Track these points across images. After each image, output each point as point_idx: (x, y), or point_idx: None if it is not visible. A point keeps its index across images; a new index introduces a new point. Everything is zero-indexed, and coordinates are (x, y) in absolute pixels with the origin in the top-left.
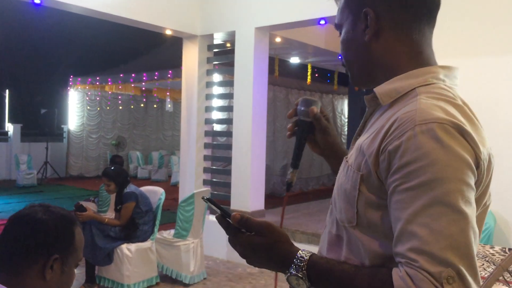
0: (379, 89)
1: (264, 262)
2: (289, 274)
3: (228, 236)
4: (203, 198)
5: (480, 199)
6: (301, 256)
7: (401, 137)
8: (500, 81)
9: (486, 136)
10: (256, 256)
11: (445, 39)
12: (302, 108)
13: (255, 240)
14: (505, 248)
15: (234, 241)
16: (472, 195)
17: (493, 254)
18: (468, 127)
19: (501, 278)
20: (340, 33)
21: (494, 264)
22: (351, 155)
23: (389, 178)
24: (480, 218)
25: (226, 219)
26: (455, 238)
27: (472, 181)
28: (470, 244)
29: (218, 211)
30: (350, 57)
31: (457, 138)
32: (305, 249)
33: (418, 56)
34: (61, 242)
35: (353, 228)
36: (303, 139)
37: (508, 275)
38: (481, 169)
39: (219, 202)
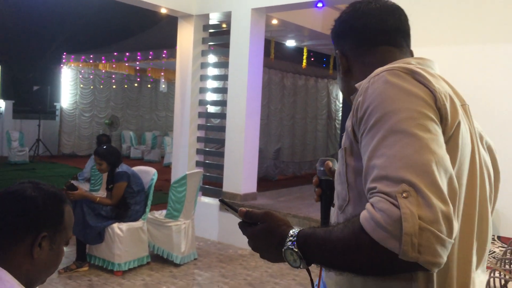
0: (358, 85)
1: (268, 249)
2: (284, 251)
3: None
4: (220, 200)
5: (456, 139)
6: (292, 231)
7: (360, 94)
8: (477, 69)
9: (445, 85)
10: (261, 243)
11: (421, 28)
12: (321, 169)
13: (257, 228)
14: (494, 235)
15: (245, 235)
16: (429, 124)
17: None
18: (424, 72)
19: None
20: None
21: None
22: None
23: (358, 133)
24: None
25: (243, 221)
26: (409, 158)
27: (429, 112)
28: (428, 161)
29: (235, 212)
30: (340, 88)
31: (406, 79)
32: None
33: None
34: (50, 220)
35: (348, 207)
36: (328, 197)
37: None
38: (440, 101)
39: (212, 185)
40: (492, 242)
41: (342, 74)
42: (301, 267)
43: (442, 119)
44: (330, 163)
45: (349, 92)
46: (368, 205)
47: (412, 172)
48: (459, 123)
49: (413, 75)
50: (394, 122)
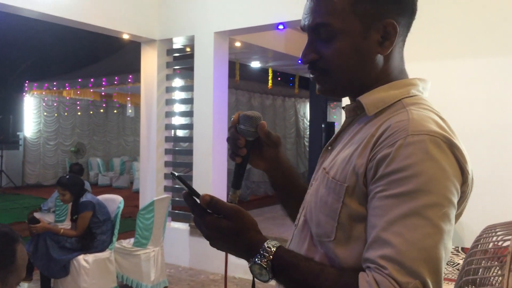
0: (364, 99)
1: (229, 247)
2: (253, 262)
3: (193, 217)
4: (171, 173)
5: (461, 213)
6: (268, 247)
7: (391, 146)
8: (461, 83)
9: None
10: (221, 239)
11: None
12: (244, 127)
13: (222, 224)
14: (458, 247)
15: (200, 222)
16: (452, 212)
17: None
18: (457, 141)
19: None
20: (318, 33)
21: (447, 264)
22: (332, 167)
23: (372, 184)
24: None
25: (193, 198)
26: (428, 252)
27: (455, 198)
28: (441, 260)
29: (186, 189)
30: (350, 68)
31: (446, 153)
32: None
33: (402, 69)
34: (0, 261)
35: (330, 243)
36: (247, 158)
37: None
38: (468, 184)
39: (182, 210)
40: (456, 254)
41: (385, 52)
42: (266, 282)
43: (461, 199)
44: (265, 125)
45: (367, 76)
46: (371, 280)
47: (427, 269)
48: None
49: (452, 149)
50: (422, 204)
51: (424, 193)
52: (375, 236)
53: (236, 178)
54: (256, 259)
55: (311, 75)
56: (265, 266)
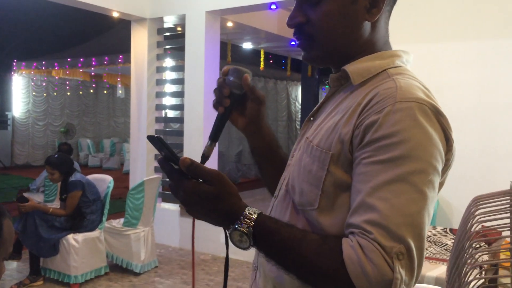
0: (350, 68)
1: (208, 214)
2: (233, 228)
3: (170, 183)
4: (148, 137)
5: (444, 179)
6: (249, 213)
7: (379, 112)
8: (452, 66)
9: None
10: (200, 205)
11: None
12: (233, 79)
13: (202, 188)
14: (446, 228)
15: (178, 187)
16: (436, 179)
17: (434, 235)
18: (443, 111)
19: (443, 257)
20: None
21: (435, 244)
22: (316, 135)
23: (358, 151)
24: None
25: (169, 163)
26: (412, 218)
27: (439, 166)
28: (424, 225)
29: (163, 153)
30: (336, 33)
31: (433, 120)
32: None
33: (387, 41)
34: None
35: (313, 211)
36: (229, 112)
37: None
38: (452, 152)
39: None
40: (444, 235)
41: (372, 19)
42: (246, 249)
43: (444, 167)
44: (249, 78)
45: (353, 44)
46: (355, 244)
47: (411, 234)
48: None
49: (438, 116)
50: (408, 170)
51: (410, 159)
52: (360, 201)
53: (215, 130)
54: (236, 225)
55: (297, 41)
56: (246, 232)
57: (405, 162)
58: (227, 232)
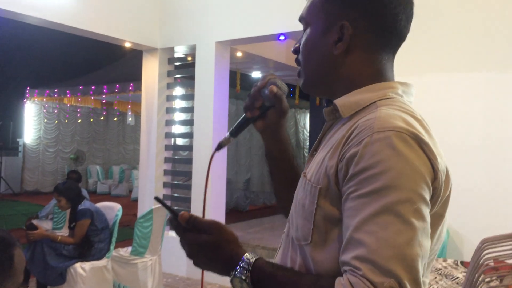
0: (339, 102)
1: (209, 263)
2: (233, 275)
3: (179, 239)
4: (155, 198)
5: (442, 211)
6: (247, 259)
7: (358, 144)
8: (460, 97)
9: (441, 151)
10: (202, 254)
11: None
12: (267, 92)
13: (201, 238)
14: (457, 261)
15: (183, 241)
16: (424, 208)
17: (445, 267)
18: (426, 137)
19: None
20: (304, 28)
21: (446, 277)
22: (310, 170)
23: (344, 185)
24: (440, 231)
25: (176, 219)
26: (401, 249)
27: (426, 193)
28: (416, 257)
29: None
30: (310, 62)
31: (413, 148)
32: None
33: (380, 76)
34: None
35: (307, 246)
36: (255, 119)
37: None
38: (439, 181)
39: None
40: (455, 268)
41: (337, 53)
42: None
43: (434, 197)
44: (275, 89)
45: (328, 76)
46: (346, 283)
47: (401, 266)
48: (448, 195)
49: (420, 144)
50: (392, 200)
51: (394, 189)
52: (349, 237)
53: (237, 128)
54: (236, 272)
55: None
56: (244, 278)
57: (389, 193)
58: (229, 279)
